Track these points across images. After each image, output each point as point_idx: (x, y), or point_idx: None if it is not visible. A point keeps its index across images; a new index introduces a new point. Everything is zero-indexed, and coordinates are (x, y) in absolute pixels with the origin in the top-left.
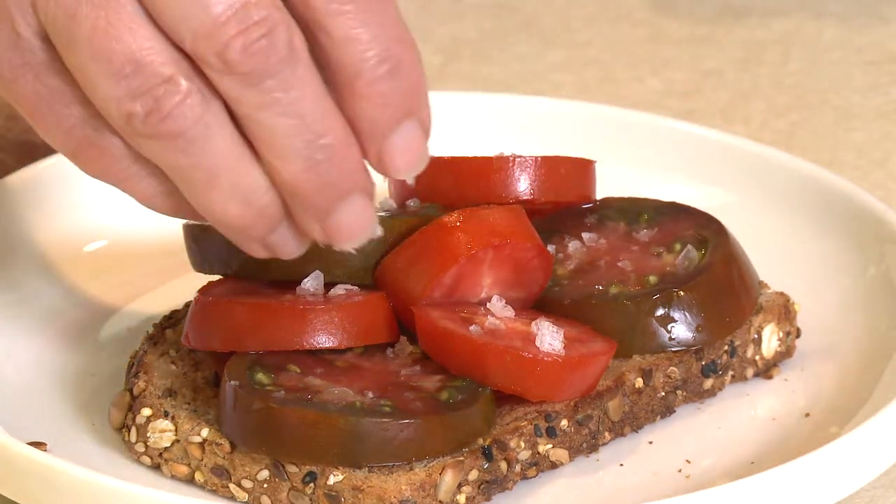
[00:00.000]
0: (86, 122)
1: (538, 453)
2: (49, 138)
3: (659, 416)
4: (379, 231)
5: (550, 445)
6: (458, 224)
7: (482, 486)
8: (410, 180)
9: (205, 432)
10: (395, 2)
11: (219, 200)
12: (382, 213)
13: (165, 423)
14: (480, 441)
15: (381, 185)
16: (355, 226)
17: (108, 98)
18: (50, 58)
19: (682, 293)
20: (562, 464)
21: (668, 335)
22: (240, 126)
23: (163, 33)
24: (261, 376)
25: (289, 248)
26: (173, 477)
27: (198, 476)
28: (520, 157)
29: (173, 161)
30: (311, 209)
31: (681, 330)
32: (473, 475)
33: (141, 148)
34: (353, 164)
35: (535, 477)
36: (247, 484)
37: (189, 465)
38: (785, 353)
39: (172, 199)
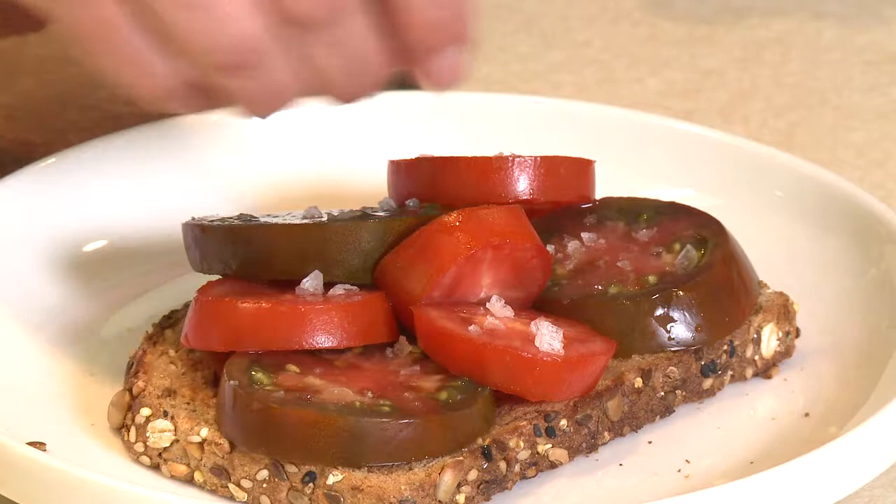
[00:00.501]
0: (139, 51)
1: (537, 453)
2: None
3: (658, 416)
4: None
5: (550, 445)
6: (457, 224)
7: (481, 486)
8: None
9: (204, 432)
10: None
11: (262, 111)
12: (382, 213)
13: (165, 423)
14: (480, 441)
15: (381, 185)
16: (452, 71)
17: (176, 30)
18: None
19: (681, 293)
20: (561, 464)
21: (667, 335)
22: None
23: None
24: (260, 376)
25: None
26: (172, 477)
27: (197, 476)
28: (519, 157)
29: (231, 87)
30: (426, 49)
31: (680, 330)
32: (473, 475)
33: (203, 75)
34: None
35: (534, 477)
36: (246, 484)
37: (188, 464)
38: (784, 353)
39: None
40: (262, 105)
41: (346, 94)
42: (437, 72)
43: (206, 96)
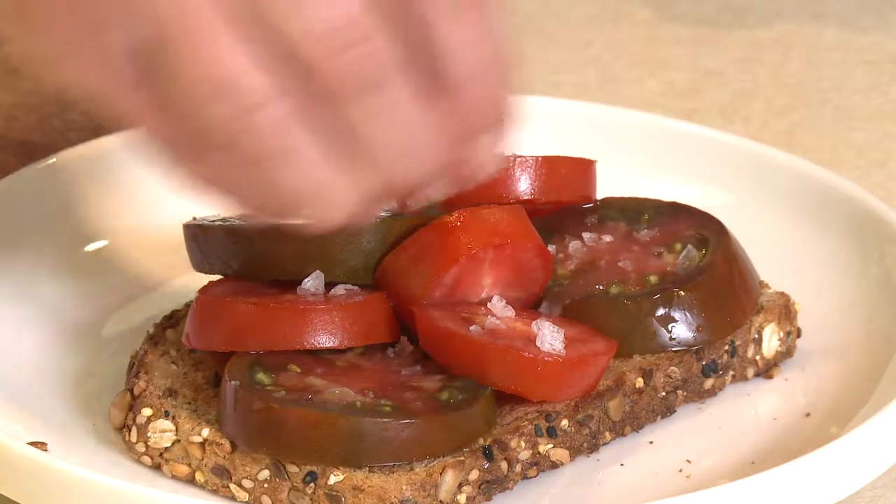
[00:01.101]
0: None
1: (539, 453)
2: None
3: (659, 416)
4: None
5: (551, 445)
6: (458, 224)
7: (483, 486)
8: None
9: (205, 432)
10: (493, 10)
11: (297, 208)
12: (383, 214)
13: (166, 423)
14: (481, 441)
15: None
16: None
17: (201, 120)
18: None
19: (682, 293)
20: (562, 464)
21: (668, 335)
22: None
23: (260, 53)
24: (261, 376)
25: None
26: (174, 477)
27: (198, 476)
28: (520, 157)
29: (262, 182)
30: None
31: (681, 330)
32: (474, 475)
33: (230, 172)
34: (437, 164)
35: (535, 477)
36: (247, 484)
37: (189, 465)
38: (785, 353)
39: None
40: (317, 207)
41: (403, 181)
42: (475, 156)
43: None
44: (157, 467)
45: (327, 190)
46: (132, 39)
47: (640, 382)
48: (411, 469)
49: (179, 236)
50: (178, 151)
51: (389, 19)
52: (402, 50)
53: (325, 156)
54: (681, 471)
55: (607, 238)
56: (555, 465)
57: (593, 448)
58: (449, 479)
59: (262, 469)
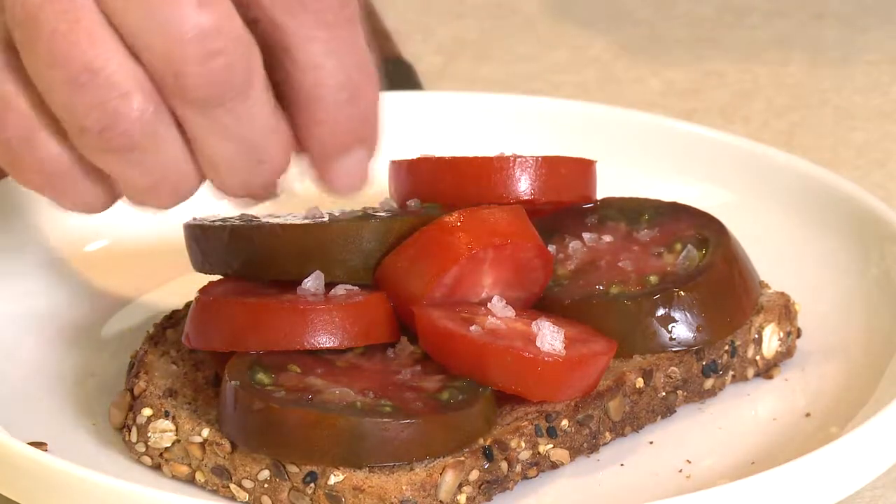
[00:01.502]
0: (31, 131)
1: (539, 453)
2: None
3: (660, 416)
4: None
5: (551, 445)
6: (458, 224)
7: (483, 486)
8: (347, 196)
9: (205, 432)
10: (360, 28)
11: (156, 200)
12: (383, 214)
13: (166, 423)
14: (481, 441)
15: (382, 184)
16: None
17: (63, 106)
18: (7, 60)
19: (682, 293)
20: (562, 464)
21: (668, 335)
22: (185, 134)
23: (124, 43)
24: (261, 376)
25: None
26: (174, 477)
27: (198, 476)
28: (520, 157)
29: (119, 170)
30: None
31: (681, 330)
32: (474, 475)
33: (89, 156)
34: (279, 176)
35: (535, 477)
36: (247, 484)
37: (189, 465)
38: (785, 353)
39: (107, 202)
40: (151, 194)
41: (240, 186)
42: (336, 175)
43: (95, 181)
44: (157, 467)
45: (181, 185)
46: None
47: (640, 382)
48: (411, 469)
49: (179, 236)
50: (15, 149)
51: (254, 29)
52: (264, 61)
53: (181, 153)
54: (681, 471)
55: (607, 238)
56: (555, 466)
57: (593, 448)
58: (449, 479)
59: (262, 469)
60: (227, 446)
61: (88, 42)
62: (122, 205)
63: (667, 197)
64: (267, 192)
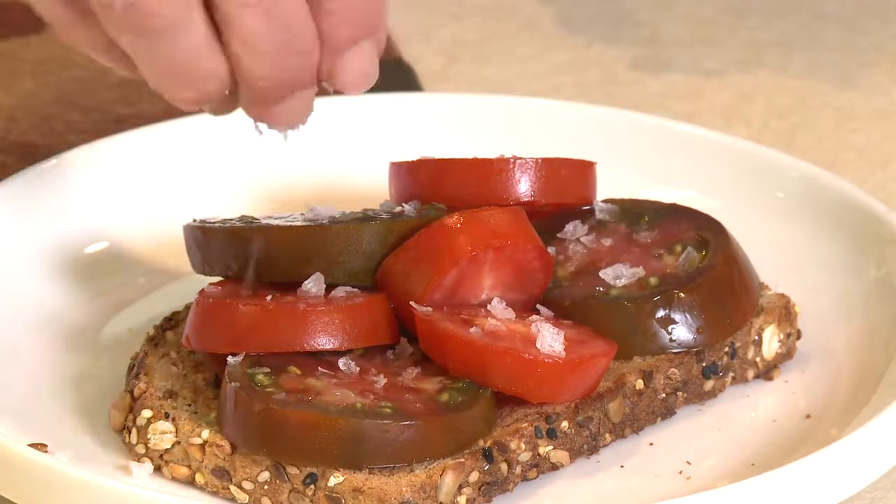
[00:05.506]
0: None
1: (539, 455)
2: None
3: (659, 418)
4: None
5: (551, 447)
6: (458, 226)
7: (483, 488)
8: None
9: (205, 434)
10: None
11: (174, 85)
12: (383, 215)
13: (166, 425)
14: (481, 443)
15: (382, 187)
16: (294, 117)
17: None
18: None
19: (682, 295)
20: (562, 465)
21: (668, 337)
22: (212, 12)
23: None
24: (261, 378)
25: (218, 114)
26: (174, 478)
27: (198, 478)
28: (520, 158)
29: (140, 50)
30: (263, 99)
31: (681, 331)
32: (474, 477)
33: (111, 33)
34: (312, 67)
35: (535, 478)
36: (247, 485)
37: (190, 466)
38: (785, 355)
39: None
40: (173, 80)
41: (271, 67)
42: (345, 69)
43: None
44: (157, 469)
45: (197, 66)
46: None
47: (640, 384)
48: (411, 471)
49: (179, 238)
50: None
51: None
52: None
53: (208, 37)
54: (681, 472)
55: (607, 240)
56: (555, 467)
57: (593, 450)
58: (449, 480)
59: (262, 471)
60: (228, 448)
61: None
62: (121, 207)
63: (667, 199)
64: (300, 79)
